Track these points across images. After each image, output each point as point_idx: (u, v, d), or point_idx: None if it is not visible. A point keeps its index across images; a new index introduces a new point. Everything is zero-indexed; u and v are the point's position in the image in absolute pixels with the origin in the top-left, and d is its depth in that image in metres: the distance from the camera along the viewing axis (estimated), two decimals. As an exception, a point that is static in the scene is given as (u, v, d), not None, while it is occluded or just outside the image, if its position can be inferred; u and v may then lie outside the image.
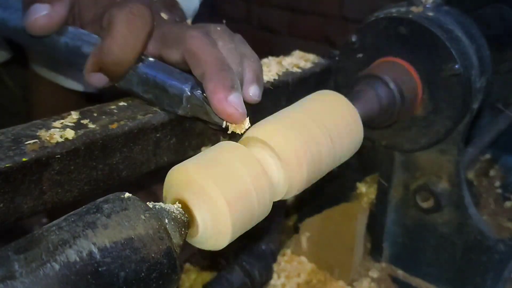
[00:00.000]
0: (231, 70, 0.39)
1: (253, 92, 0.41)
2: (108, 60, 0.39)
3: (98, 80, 0.41)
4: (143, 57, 0.40)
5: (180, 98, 0.39)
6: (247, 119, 0.38)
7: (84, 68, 0.40)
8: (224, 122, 0.38)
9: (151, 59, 0.41)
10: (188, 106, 0.39)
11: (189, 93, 0.39)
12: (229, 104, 0.37)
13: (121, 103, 0.41)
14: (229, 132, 0.39)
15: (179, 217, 0.30)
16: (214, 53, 0.39)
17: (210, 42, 0.40)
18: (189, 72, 0.40)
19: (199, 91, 0.39)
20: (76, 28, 0.42)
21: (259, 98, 0.41)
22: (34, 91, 0.76)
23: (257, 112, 0.47)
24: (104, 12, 0.41)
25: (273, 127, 0.36)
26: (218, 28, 0.42)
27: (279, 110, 0.43)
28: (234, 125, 0.38)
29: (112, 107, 0.40)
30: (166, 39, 0.41)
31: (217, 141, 0.43)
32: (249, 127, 0.38)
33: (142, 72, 0.40)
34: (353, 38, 0.55)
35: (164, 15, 0.44)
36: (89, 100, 0.73)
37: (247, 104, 0.39)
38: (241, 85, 0.40)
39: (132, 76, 0.40)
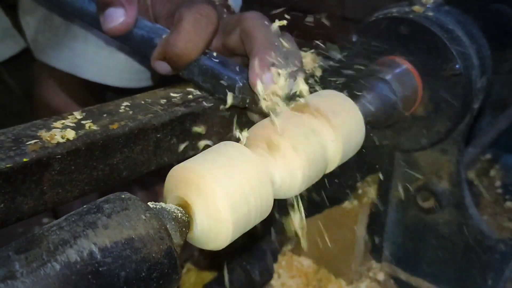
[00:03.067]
0: (277, 49, 0.41)
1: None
2: (171, 53, 0.43)
3: (162, 67, 0.44)
4: (207, 50, 0.44)
5: (233, 88, 0.42)
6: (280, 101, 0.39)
7: (151, 55, 0.44)
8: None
9: (213, 52, 0.45)
10: (240, 96, 0.42)
11: (241, 84, 0.42)
12: (260, 82, 0.39)
13: (122, 103, 0.41)
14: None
15: (179, 217, 0.30)
16: (264, 31, 0.42)
17: (264, 23, 0.43)
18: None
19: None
20: (151, 22, 0.46)
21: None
22: (40, 86, 0.76)
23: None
24: (175, 10, 0.44)
25: (274, 127, 0.36)
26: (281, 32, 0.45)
27: (279, 110, 0.43)
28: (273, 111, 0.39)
29: (113, 107, 0.40)
30: (225, 28, 0.45)
31: (218, 141, 0.43)
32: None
33: (203, 64, 0.44)
34: (354, 38, 0.55)
35: (225, 16, 0.48)
36: (96, 93, 0.74)
37: None
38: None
39: (194, 67, 0.44)
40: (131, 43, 0.47)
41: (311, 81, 0.52)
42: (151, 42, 0.45)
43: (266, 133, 0.36)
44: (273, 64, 0.39)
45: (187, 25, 0.42)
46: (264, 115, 0.40)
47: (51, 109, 0.71)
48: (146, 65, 0.69)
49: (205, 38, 0.43)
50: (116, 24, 0.44)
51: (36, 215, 0.34)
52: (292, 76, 0.43)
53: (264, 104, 0.39)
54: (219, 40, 0.46)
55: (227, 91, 0.42)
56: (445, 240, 0.57)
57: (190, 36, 0.42)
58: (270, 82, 0.39)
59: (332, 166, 0.41)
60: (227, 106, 0.42)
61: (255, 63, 0.40)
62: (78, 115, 0.38)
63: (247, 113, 0.44)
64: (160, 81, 0.70)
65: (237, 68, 0.43)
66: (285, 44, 0.44)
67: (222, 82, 0.43)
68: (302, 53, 0.57)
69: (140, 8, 0.47)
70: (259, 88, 0.39)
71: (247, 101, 0.42)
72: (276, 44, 0.42)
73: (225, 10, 0.50)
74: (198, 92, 0.45)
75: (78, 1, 0.48)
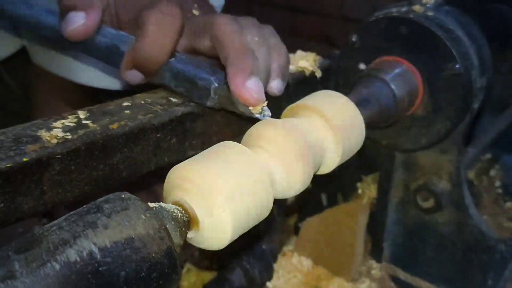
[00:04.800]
0: (253, 56, 0.40)
1: (276, 86, 0.43)
2: (141, 58, 0.41)
3: (133, 77, 0.43)
4: (176, 53, 0.43)
5: (208, 90, 0.41)
6: (264, 104, 0.39)
7: (120, 66, 0.43)
8: (249, 112, 0.39)
9: (182, 55, 0.43)
10: (216, 97, 0.41)
11: (216, 85, 0.41)
12: (246, 89, 0.38)
13: (122, 103, 0.41)
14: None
15: (179, 217, 0.30)
16: (237, 38, 0.40)
17: (236, 28, 0.41)
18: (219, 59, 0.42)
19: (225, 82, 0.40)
20: (115, 29, 0.45)
21: (281, 92, 0.43)
22: (36, 89, 0.76)
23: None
24: (138, 14, 0.43)
25: (274, 126, 0.36)
26: (246, 21, 0.44)
27: (278, 110, 0.43)
28: (256, 111, 0.39)
29: (113, 107, 0.40)
30: (195, 29, 0.43)
31: (218, 141, 0.43)
32: (266, 111, 0.39)
33: (173, 67, 0.42)
34: (354, 38, 0.55)
35: (195, 12, 0.46)
36: (91, 96, 0.74)
37: (268, 96, 0.40)
38: (269, 76, 0.42)
39: (165, 71, 0.43)
40: (96, 53, 0.45)
41: (311, 81, 0.52)
42: (116, 49, 0.44)
43: (266, 133, 0.36)
44: (252, 72, 0.38)
45: (151, 27, 0.41)
46: (245, 116, 0.40)
47: (47, 112, 0.71)
48: None
49: (172, 37, 0.41)
50: (75, 26, 0.42)
51: (36, 215, 0.34)
52: (280, 75, 0.43)
53: (243, 108, 0.39)
54: (186, 40, 0.44)
55: (202, 93, 0.41)
56: (445, 240, 0.57)
57: (156, 37, 0.41)
58: (256, 88, 0.38)
59: (332, 166, 0.41)
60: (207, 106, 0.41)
61: (233, 72, 0.38)
62: (78, 115, 0.38)
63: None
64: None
65: (210, 69, 0.42)
66: (271, 40, 0.44)
67: (196, 84, 0.41)
68: (302, 53, 0.57)
69: (105, 17, 0.45)
70: (247, 96, 0.38)
71: (223, 102, 0.41)
72: (251, 50, 0.40)
73: (195, 5, 0.48)
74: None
75: (34, 15, 0.47)
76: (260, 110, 0.39)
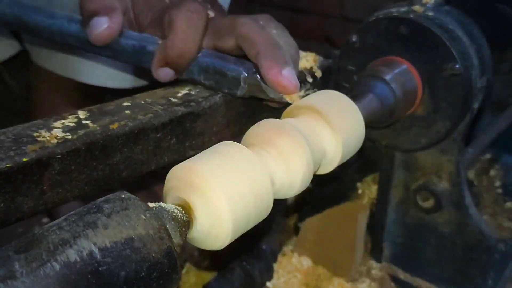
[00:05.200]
0: (282, 48, 0.43)
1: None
2: (173, 54, 0.43)
3: (165, 74, 0.45)
4: (202, 49, 0.45)
5: (238, 80, 0.43)
6: (302, 90, 0.43)
7: (151, 65, 0.45)
8: (280, 96, 0.42)
9: (208, 50, 0.46)
10: (246, 86, 0.43)
11: (246, 74, 0.43)
12: (284, 77, 0.41)
13: (122, 103, 0.41)
14: (285, 102, 0.43)
15: (179, 216, 0.30)
16: (265, 34, 0.44)
17: (260, 26, 0.45)
18: (242, 58, 0.45)
19: (254, 71, 0.43)
20: (137, 32, 0.47)
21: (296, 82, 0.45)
22: (37, 89, 0.76)
23: (257, 112, 0.48)
24: (161, 15, 0.46)
25: (274, 126, 0.36)
26: (263, 17, 0.48)
27: (278, 110, 0.43)
28: (289, 97, 0.43)
29: (113, 107, 0.40)
30: (218, 31, 0.46)
31: (218, 141, 0.44)
32: (303, 96, 0.42)
33: (202, 62, 0.45)
34: (354, 38, 0.55)
35: (210, 12, 0.49)
36: (93, 96, 0.74)
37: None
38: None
39: (194, 66, 0.45)
40: (123, 55, 0.47)
41: (311, 81, 0.52)
42: (144, 50, 0.46)
43: (266, 133, 0.36)
44: (285, 62, 0.42)
45: (181, 24, 0.43)
46: (275, 102, 0.43)
47: (47, 112, 0.71)
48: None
49: (200, 33, 0.44)
50: (100, 30, 0.44)
51: (36, 215, 0.34)
52: (295, 65, 0.46)
53: (273, 94, 0.42)
54: (209, 40, 0.47)
55: (231, 84, 0.44)
56: (445, 240, 0.57)
57: (186, 34, 0.43)
58: (292, 76, 0.41)
59: (331, 166, 0.41)
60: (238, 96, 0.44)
61: (268, 63, 0.41)
62: (78, 115, 0.38)
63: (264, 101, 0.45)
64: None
65: (237, 60, 0.44)
66: (283, 36, 0.47)
67: (225, 76, 0.44)
68: (303, 53, 0.57)
69: (125, 21, 0.47)
70: (286, 83, 0.41)
71: (253, 90, 0.43)
72: (278, 43, 0.43)
73: (209, 5, 0.50)
74: (198, 92, 0.45)
75: (56, 24, 0.48)
76: (295, 97, 0.42)
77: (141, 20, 0.49)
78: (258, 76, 0.43)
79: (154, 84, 0.46)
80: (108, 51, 0.47)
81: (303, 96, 0.42)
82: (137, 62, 0.47)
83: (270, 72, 0.41)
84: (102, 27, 0.44)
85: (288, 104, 0.42)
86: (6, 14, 0.50)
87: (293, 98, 0.43)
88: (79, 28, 0.47)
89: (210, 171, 0.31)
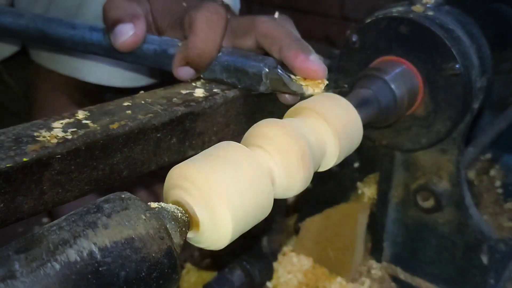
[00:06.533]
0: (303, 40, 0.44)
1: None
2: (193, 54, 0.44)
3: (186, 73, 0.46)
4: (222, 48, 0.46)
5: (260, 76, 0.44)
6: (325, 80, 0.43)
7: (172, 65, 0.46)
8: (302, 90, 0.43)
9: (228, 48, 0.46)
10: (268, 82, 0.44)
11: (267, 70, 0.43)
12: (312, 62, 0.42)
13: (122, 103, 0.41)
14: (307, 94, 0.43)
15: (179, 216, 0.30)
16: (284, 29, 0.45)
17: (279, 23, 0.46)
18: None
19: (275, 66, 0.44)
20: (157, 36, 0.48)
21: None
22: (37, 88, 0.76)
23: (256, 112, 0.48)
24: (180, 17, 0.47)
25: (275, 126, 0.36)
26: (282, 17, 0.48)
27: (278, 110, 0.43)
28: (312, 89, 0.43)
29: (113, 107, 0.40)
30: (237, 30, 0.47)
31: (218, 141, 0.44)
32: (326, 84, 0.43)
33: (223, 60, 0.45)
34: (354, 38, 0.55)
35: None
36: (94, 95, 0.74)
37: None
38: None
39: (215, 66, 0.46)
40: (145, 59, 0.48)
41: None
42: (165, 53, 0.46)
43: (266, 133, 0.36)
44: (310, 50, 0.43)
45: (201, 25, 0.44)
46: (296, 94, 0.44)
47: (47, 112, 0.71)
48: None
49: (221, 33, 0.45)
50: (126, 38, 0.45)
51: (36, 215, 0.34)
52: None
53: (295, 87, 0.43)
54: (228, 40, 0.47)
55: (253, 80, 0.44)
56: (445, 240, 0.57)
57: (207, 34, 0.44)
58: (319, 61, 0.42)
59: (328, 166, 0.41)
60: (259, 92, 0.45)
61: (293, 52, 0.42)
62: (78, 115, 0.38)
63: (278, 96, 0.46)
64: (162, 77, 0.70)
65: (256, 57, 0.45)
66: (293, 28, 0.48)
67: (247, 73, 0.44)
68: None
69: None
70: (316, 67, 0.42)
71: (275, 85, 0.44)
72: (298, 36, 0.45)
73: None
74: (198, 92, 0.45)
75: (78, 34, 0.49)
76: (321, 86, 0.43)
77: (160, 23, 0.50)
78: (279, 71, 0.43)
79: (154, 84, 0.46)
80: (131, 57, 0.48)
81: (323, 91, 0.43)
82: (159, 66, 0.48)
83: (297, 59, 0.42)
84: (128, 34, 0.45)
85: (309, 97, 0.42)
86: (30, 29, 0.51)
87: (316, 91, 0.43)
88: (101, 37, 0.48)
89: (210, 170, 0.31)
